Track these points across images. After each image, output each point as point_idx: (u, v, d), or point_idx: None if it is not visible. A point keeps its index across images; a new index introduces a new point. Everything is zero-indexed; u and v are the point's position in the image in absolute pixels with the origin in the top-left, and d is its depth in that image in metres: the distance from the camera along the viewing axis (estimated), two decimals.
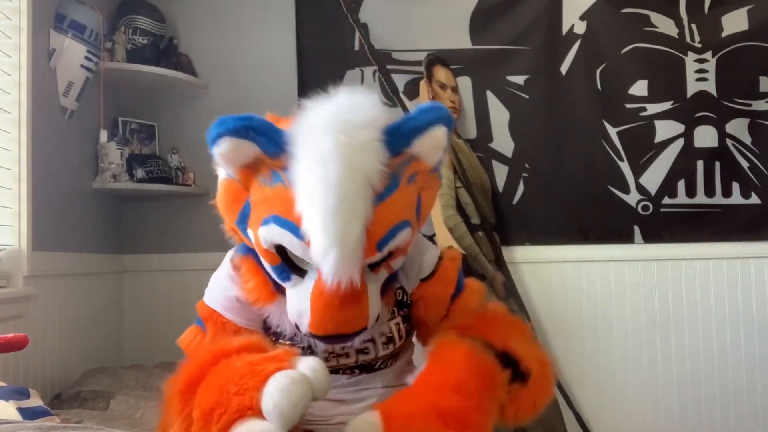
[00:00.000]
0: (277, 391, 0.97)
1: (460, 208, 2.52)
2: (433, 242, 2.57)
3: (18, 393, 1.42)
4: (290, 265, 1.06)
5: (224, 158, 1.11)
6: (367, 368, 1.24)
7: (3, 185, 2.06)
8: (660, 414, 2.69)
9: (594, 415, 2.69)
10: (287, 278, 1.08)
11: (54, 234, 2.27)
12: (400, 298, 1.26)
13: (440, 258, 1.30)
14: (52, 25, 2.28)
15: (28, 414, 1.35)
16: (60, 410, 1.89)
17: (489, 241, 2.59)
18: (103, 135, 2.59)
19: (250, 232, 1.12)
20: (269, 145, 1.05)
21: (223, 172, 1.18)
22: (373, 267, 1.07)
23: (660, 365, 2.70)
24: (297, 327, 1.08)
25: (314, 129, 1.01)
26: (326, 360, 1.20)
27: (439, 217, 2.46)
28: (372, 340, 1.22)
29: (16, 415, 1.32)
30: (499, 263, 2.62)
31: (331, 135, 0.98)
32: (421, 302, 1.27)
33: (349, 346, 1.20)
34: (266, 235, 1.05)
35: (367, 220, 0.99)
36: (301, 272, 1.06)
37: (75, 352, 2.38)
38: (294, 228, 1.01)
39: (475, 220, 2.55)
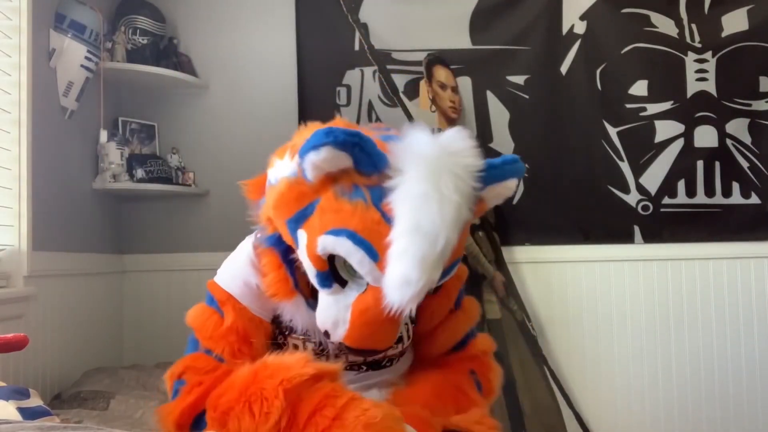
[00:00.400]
0: None
1: None
2: None
3: (18, 393, 1.41)
4: (334, 274, 1.07)
5: (316, 166, 1.05)
6: (374, 365, 1.26)
7: (3, 185, 2.06)
8: (660, 414, 2.69)
9: (594, 415, 2.68)
10: (328, 285, 1.08)
11: (54, 234, 2.26)
12: None
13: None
14: (52, 25, 2.28)
15: (28, 414, 1.35)
16: (60, 410, 1.89)
17: (489, 241, 2.59)
18: (103, 135, 2.59)
19: (302, 233, 1.10)
20: (367, 163, 1.04)
21: (284, 170, 1.13)
22: None
23: (660, 365, 2.70)
24: (326, 333, 1.10)
25: (426, 160, 1.02)
26: (336, 356, 1.22)
27: None
28: None
29: (16, 415, 1.32)
30: (499, 263, 2.62)
31: (446, 174, 1.01)
32: (424, 312, 1.28)
33: None
34: (331, 245, 1.05)
35: (451, 255, 1.04)
36: (343, 282, 1.07)
37: (75, 352, 2.38)
38: (369, 249, 1.02)
39: (475, 220, 2.56)
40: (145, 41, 2.69)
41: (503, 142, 2.80)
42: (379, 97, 2.82)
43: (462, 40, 2.82)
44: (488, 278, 2.50)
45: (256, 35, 2.88)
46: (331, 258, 1.06)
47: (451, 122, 2.70)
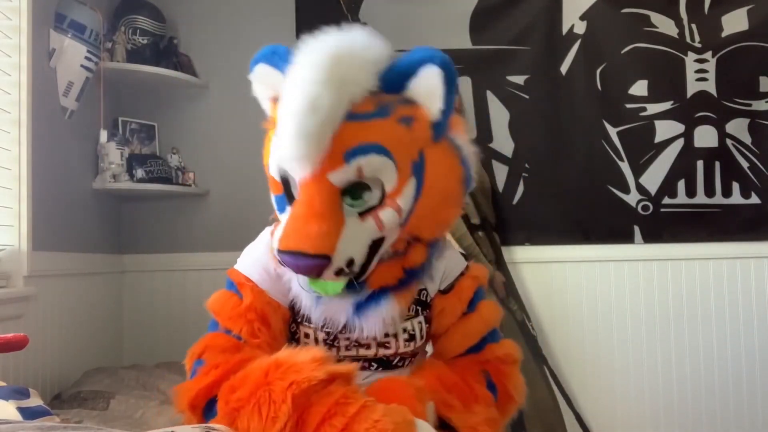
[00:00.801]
0: None
1: None
2: None
3: (18, 393, 1.41)
4: (289, 197, 1.11)
5: (257, 86, 1.20)
6: (385, 363, 1.25)
7: (3, 185, 2.06)
8: (660, 413, 2.69)
9: (594, 415, 2.68)
10: (284, 209, 1.12)
11: (54, 234, 2.26)
12: (423, 299, 1.27)
13: (463, 273, 1.32)
14: (52, 25, 2.28)
15: (28, 414, 1.35)
16: (60, 410, 1.89)
17: (489, 241, 2.59)
18: (103, 135, 2.59)
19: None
20: (284, 67, 1.10)
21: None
22: (362, 214, 1.08)
23: (660, 365, 2.70)
24: (275, 255, 1.10)
25: (309, 49, 1.05)
26: (347, 349, 1.22)
27: None
28: (395, 335, 1.23)
29: (16, 415, 1.31)
30: (499, 263, 2.62)
31: (322, 50, 1.02)
32: (435, 312, 1.29)
33: (372, 336, 1.19)
34: (270, 158, 1.12)
35: (334, 119, 1.02)
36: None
37: (75, 352, 2.38)
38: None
39: (475, 220, 2.55)
40: (145, 41, 2.69)
41: (503, 142, 2.80)
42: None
43: (462, 40, 2.82)
44: (488, 278, 2.50)
45: (256, 35, 2.88)
46: (285, 180, 1.11)
47: None
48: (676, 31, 2.73)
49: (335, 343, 1.22)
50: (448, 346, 1.31)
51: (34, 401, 1.42)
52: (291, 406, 1.02)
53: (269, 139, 1.16)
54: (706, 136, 2.71)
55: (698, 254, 2.70)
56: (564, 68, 2.78)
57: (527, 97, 2.80)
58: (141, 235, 2.87)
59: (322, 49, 1.03)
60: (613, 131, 2.76)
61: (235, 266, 1.26)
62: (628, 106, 2.75)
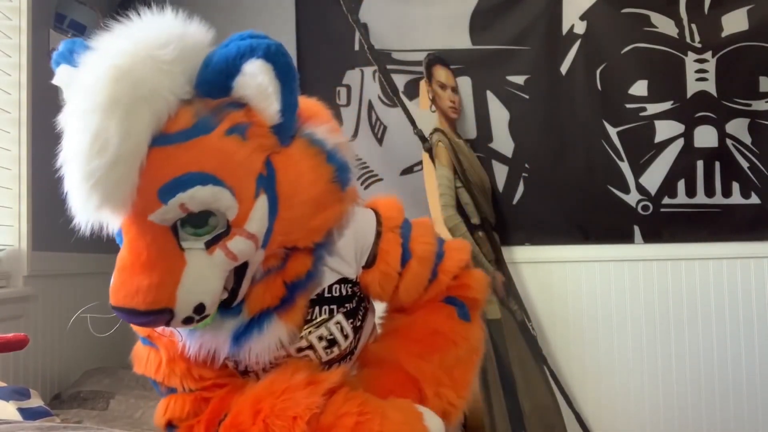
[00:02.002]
0: None
1: (460, 208, 2.52)
2: None
3: (18, 393, 1.42)
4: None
5: (65, 90, 0.96)
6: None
7: (3, 185, 2.06)
8: (660, 414, 2.69)
9: (594, 415, 2.68)
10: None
11: (54, 234, 2.26)
12: (339, 294, 1.09)
13: (380, 233, 1.11)
14: (51, 25, 2.28)
15: (28, 414, 1.35)
16: (60, 410, 1.89)
17: (489, 241, 2.59)
18: None
19: None
20: None
21: None
22: (209, 245, 0.89)
23: (660, 365, 2.70)
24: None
25: (90, 59, 0.85)
26: (264, 371, 1.07)
27: (439, 217, 2.46)
28: (310, 347, 1.07)
29: (16, 416, 1.31)
30: (499, 263, 2.62)
31: (102, 62, 0.82)
32: (371, 289, 1.12)
33: (284, 355, 1.05)
34: None
35: (136, 155, 0.81)
36: None
37: (75, 352, 2.38)
38: None
39: (475, 220, 2.55)
40: None
41: (503, 142, 2.80)
42: (379, 97, 2.82)
43: (462, 40, 2.82)
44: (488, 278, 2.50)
45: None
46: None
47: (451, 122, 2.70)
48: (676, 31, 2.73)
49: (247, 369, 1.08)
50: (404, 299, 1.15)
51: (35, 402, 1.42)
52: None
53: None
54: (706, 136, 2.71)
55: (698, 254, 2.70)
56: (564, 68, 2.78)
57: (527, 97, 2.80)
58: None
59: (102, 61, 0.82)
60: (613, 131, 2.76)
61: None
62: (628, 106, 2.75)
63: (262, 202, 0.91)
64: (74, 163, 0.83)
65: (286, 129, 0.93)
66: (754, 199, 2.69)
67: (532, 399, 2.52)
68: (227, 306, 0.95)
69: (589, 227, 2.77)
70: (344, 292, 1.09)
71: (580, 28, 2.78)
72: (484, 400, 2.34)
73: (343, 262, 1.07)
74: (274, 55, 0.87)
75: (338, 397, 1.00)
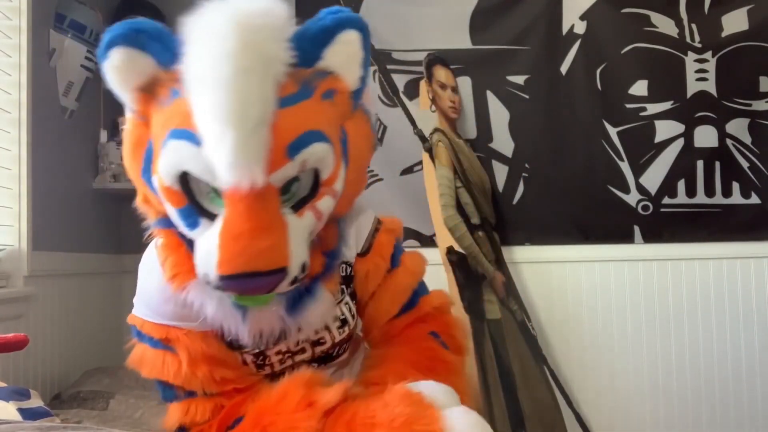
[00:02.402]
0: None
1: (460, 208, 2.52)
2: (433, 243, 2.57)
3: (18, 394, 1.41)
4: (198, 208, 0.93)
5: (117, 76, 0.98)
6: (325, 358, 1.16)
7: (3, 185, 2.06)
8: (660, 414, 2.69)
9: (594, 415, 2.68)
10: (195, 224, 0.94)
11: (54, 234, 2.26)
12: (346, 274, 1.15)
13: (377, 229, 1.19)
14: (52, 25, 2.28)
15: (28, 415, 1.35)
16: (60, 410, 1.89)
17: (489, 241, 2.59)
18: (103, 135, 2.59)
19: (155, 179, 0.97)
20: (164, 52, 0.94)
21: (128, 113, 1.01)
22: (297, 208, 0.94)
23: (660, 365, 2.70)
24: (208, 282, 0.92)
25: (208, 20, 0.90)
26: (281, 363, 1.11)
27: (439, 217, 2.46)
28: (326, 328, 1.12)
29: (16, 416, 1.31)
30: (499, 263, 2.62)
31: (226, 17, 0.86)
32: (356, 280, 1.17)
33: (304, 339, 1.08)
34: (164, 163, 0.91)
35: (269, 111, 0.85)
36: (212, 216, 0.92)
37: (75, 352, 2.38)
38: (190, 135, 0.87)
39: (475, 220, 2.55)
40: None
41: (503, 142, 2.80)
42: (379, 97, 2.82)
43: (462, 40, 2.82)
44: (488, 278, 2.50)
45: None
46: (187, 187, 0.92)
47: (451, 122, 2.70)
48: (676, 31, 2.73)
49: (266, 362, 1.10)
50: (380, 309, 1.19)
51: (35, 402, 1.42)
52: None
53: (137, 140, 0.99)
54: (706, 136, 2.71)
55: (698, 254, 2.70)
56: (564, 68, 2.78)
57: (527, 97, 2.80)
58: (141, 235, 2.85)
59: (229, 28, 0.86)
60: (613, 131, 2.76)
61: (142, 315, 1.14)
62: (628, 106, 2.75)
63: (343, 164, 0.99)
64: (220, 123, 0.84)
65: (360, 95, 1.02)
66: (754, 199, 2.69)
67: (532, 399, 2.52)
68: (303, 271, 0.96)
69: (589, 227, 2.77)
70: (348, 272, 1.15)
71: (580, 28, 2.78)
72: (484, 400, 2.34)
73: (345, 245, 1.14)
74: (364, 27, 0.99)
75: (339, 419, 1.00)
